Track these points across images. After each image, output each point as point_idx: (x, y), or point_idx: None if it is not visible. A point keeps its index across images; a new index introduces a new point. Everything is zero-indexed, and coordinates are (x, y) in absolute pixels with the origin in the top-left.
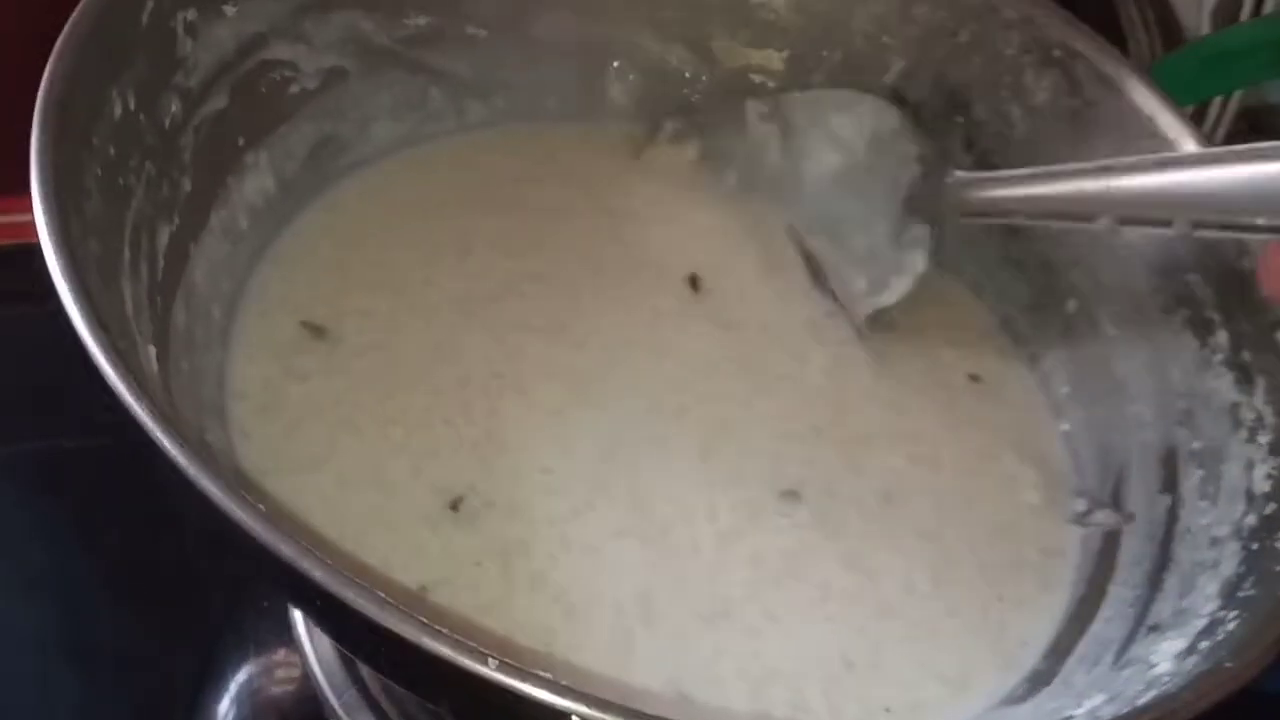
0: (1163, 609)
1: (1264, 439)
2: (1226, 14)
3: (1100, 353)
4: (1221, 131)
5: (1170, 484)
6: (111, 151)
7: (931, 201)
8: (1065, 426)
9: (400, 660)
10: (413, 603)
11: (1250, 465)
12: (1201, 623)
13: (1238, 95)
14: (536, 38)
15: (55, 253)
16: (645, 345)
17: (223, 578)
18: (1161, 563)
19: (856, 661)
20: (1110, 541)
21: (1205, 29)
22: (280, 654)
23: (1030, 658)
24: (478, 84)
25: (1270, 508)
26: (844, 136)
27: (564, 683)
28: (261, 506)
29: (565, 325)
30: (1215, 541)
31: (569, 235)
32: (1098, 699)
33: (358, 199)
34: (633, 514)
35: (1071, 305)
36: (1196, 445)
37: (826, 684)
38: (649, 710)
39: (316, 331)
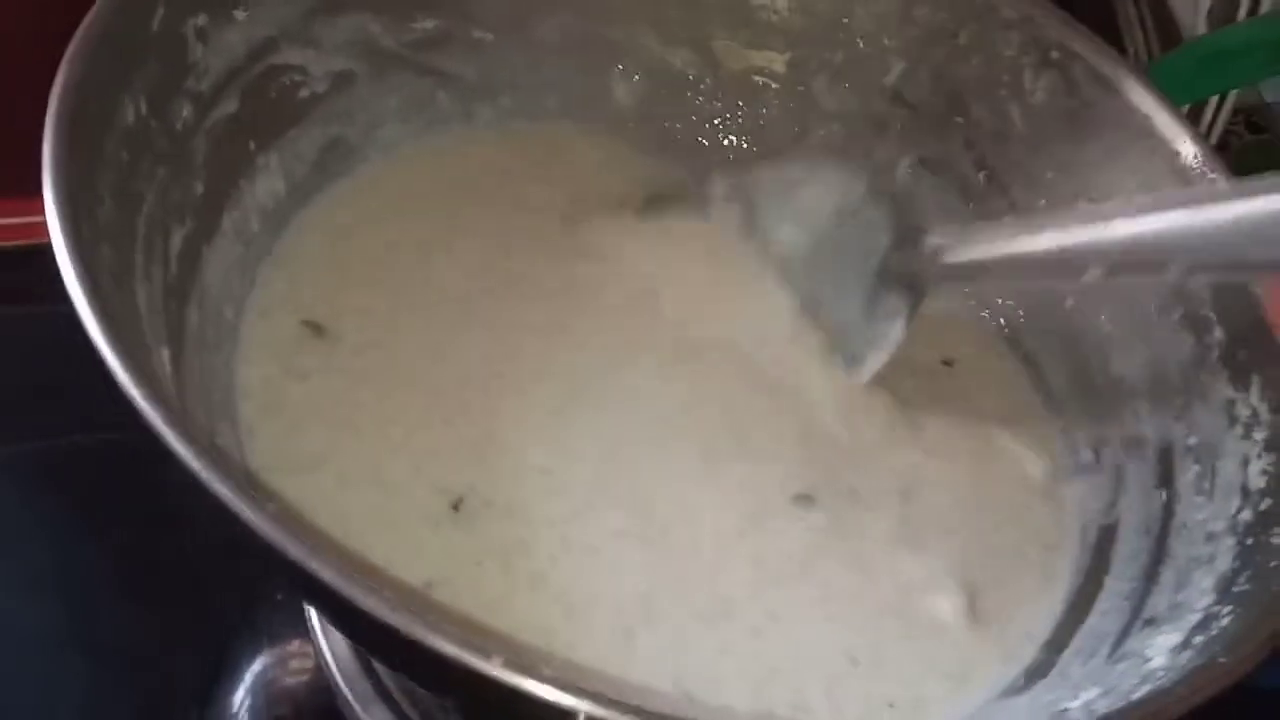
0: (1158, 603)
1: (1259, 435)
2: (1223, 14)
3: (1098, 349)
4: (1218, 130)
5: (1166, 479)
6: (124, 157)
7: (907, 269)
8: (1062, 423)
9: (408, 657)
10: (420, 601)
11: (1245, 461)
12: (1196, 617)
13: (1234, 94)
14: (541, 40)
15: (69, 260)
16: (647, 347)
17: (229, 573)
18: (1157, 557)
19: (860, 659)
20: (1107, 535)
21: (1202, 29)
22: (294, 645)
23: (1031, 650)
24: (484, 86)
25: (1265, 503)
26: (810, 210)
27: (570, 680)
28: (271, 507)
29: (566, 325)
30: (1211, 536)
31: (572, 235)
32: (1093, 692)
33: (359, 196)
34: (634, 515)
35: (1069, 303)
36: (1192, 441)
37: (829, 682)
38: (653, 708)
39: (316, 330)
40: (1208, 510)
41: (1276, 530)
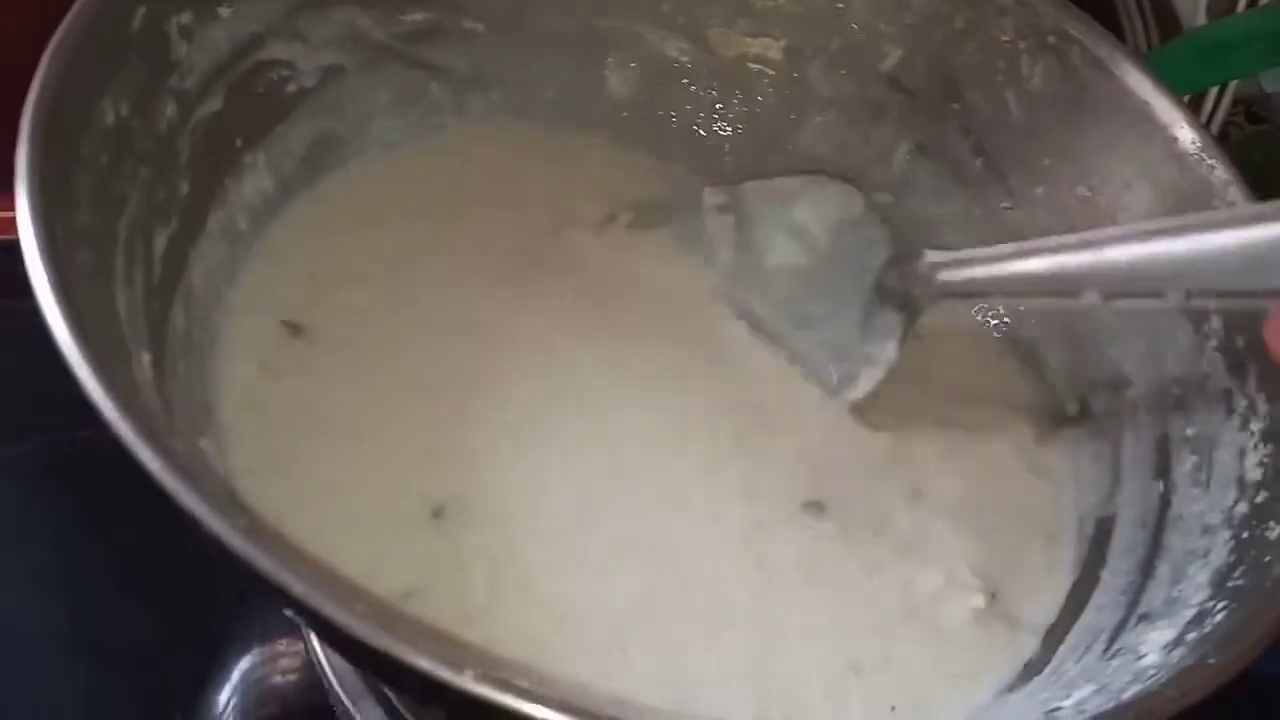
0: (1154, 597)
1: (1256, 426)
2: (1223, 4)
3: (1096, 337)
4: (1218, 121)
5: (1163, 470)
6: (104, 159)
7: (902, 287)
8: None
9: (385, 670)
10: (394, 614)
11: (1242, 453)
12: (1191, 613)
13: (1234, 85)
14: (534, 31)
15: (40, 267)
16: (643, 355)
17: (225, 570)
18: (1153, 551)
19: (864, 666)
20: (1104, 528)
21: (1201, 19)
22: (283, 644)
23: (1032, 646)
24: (476, 78)
25: (1261, 496)
26: (805, 226)
27: (542, 691)
28: (243, 521)
29: (550, 333)
30: (1207, 529)
31: (563, 237)
32: (1086, 690)
33: (348, 194)
34: (627, 523)
35: None
36: (1190, 432)
37: (830, 688)
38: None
39: (294, 329)
40: (1204, 502)
41: (1272, 524)
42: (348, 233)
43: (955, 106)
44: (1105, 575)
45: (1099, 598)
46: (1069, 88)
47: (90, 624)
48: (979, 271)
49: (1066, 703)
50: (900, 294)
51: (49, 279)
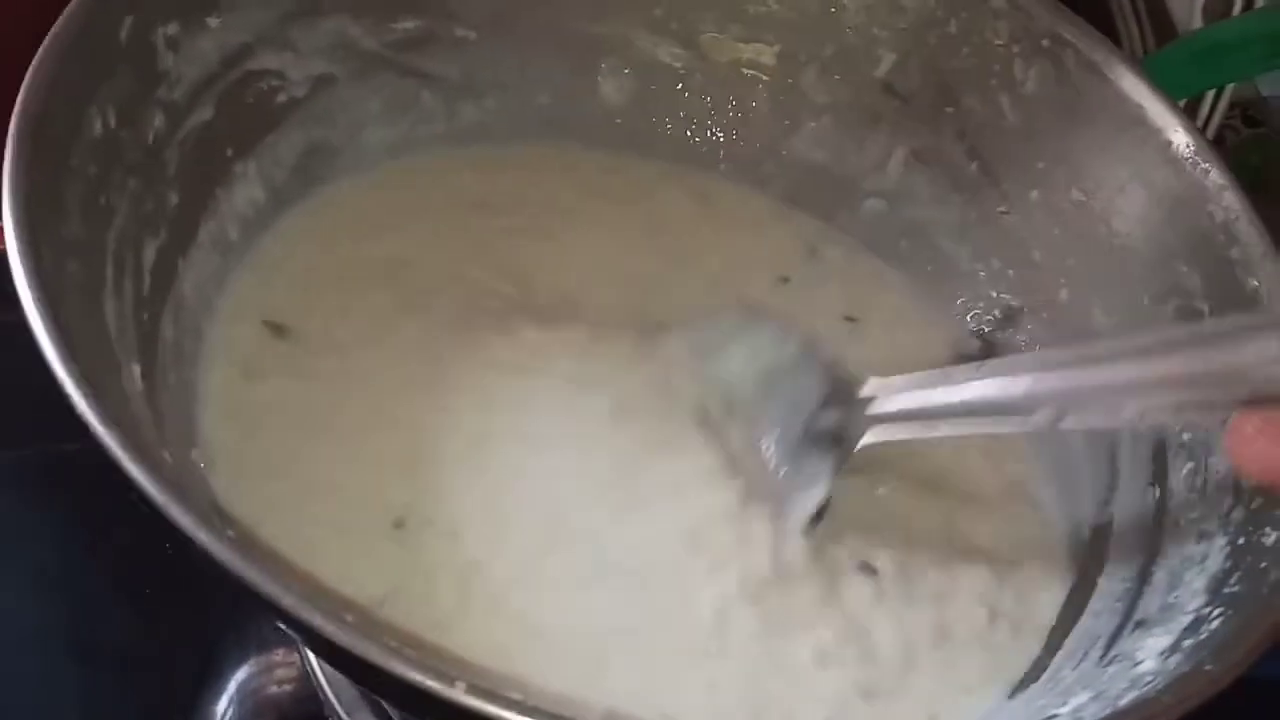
0: (1150, 604)
1: None
2: (1218, 8)
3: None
4: (1214, 124)
5: (1160, 476)
6: (92, 170)
7: (835, 425)
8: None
9: (373, 681)
10: (382, 626)
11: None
12: (1187, 619)
13: (1230, 88)
14: (526, 37)
15: (25, 279)
16: (618, 383)
17: (222, 579)
18: (1150, 556)
19: (875, 693)
20: (1100, 535)
21: (1197, 23)
22: (280, 654)
23: (1032, 651)
24: (469, 85)
25: (1257, 502)
26: (737, 372)
27: (534, 704)
28: (231, 533)
29: (523, 358)
30: (1203, 535)
31: (544, 254)
32: (1083, 697)
33: (338, 207)
34: (602, 551)
35: (1064, 294)
36: (1186, 437)
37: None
38: None
39: (277, 330)
40: (1200, 508)
41: (1268, 529)
42: (340, 245)
43: (950, 111)
44: (1102, 582)
45: (1095, 604)
46: (1063, 92)
47: (88, 630)
48: (922, 396)
49: (1063, 710)
50: (832, 433)
51: (34, 291)
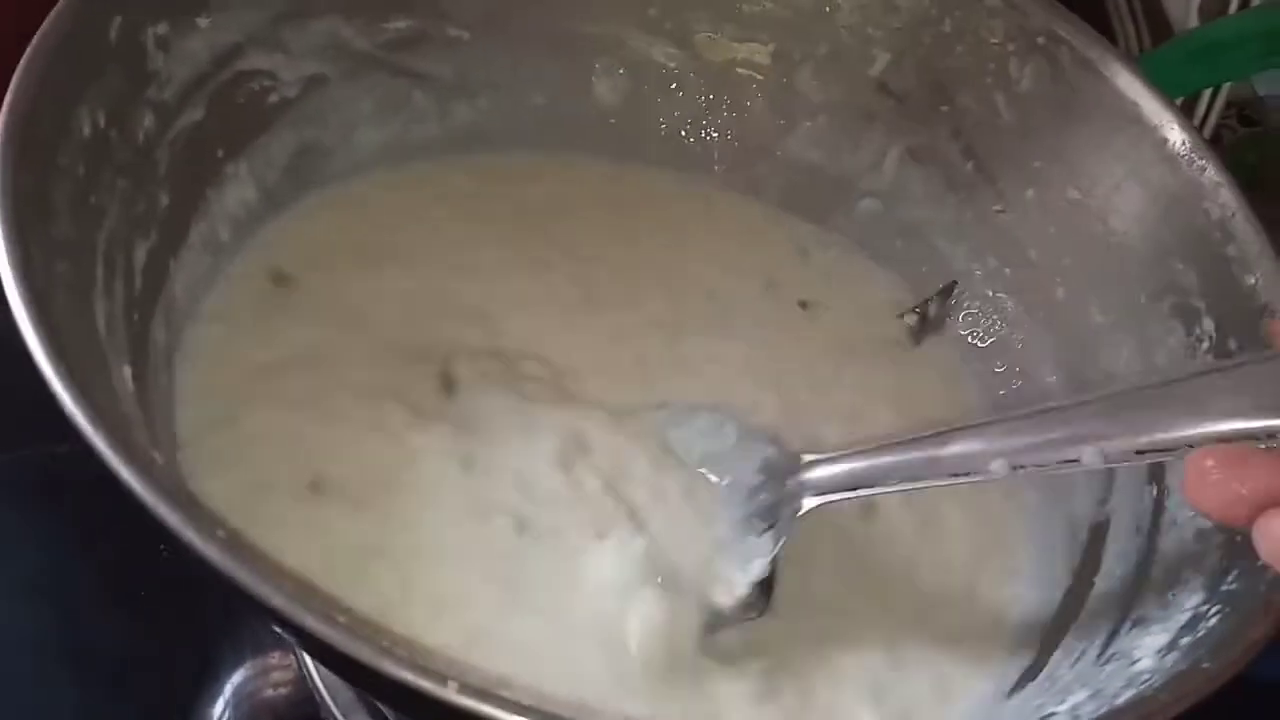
0: (1148, 602)
1: None
2: (1214, 6)
3: (1088, 340)
4: (1211, 124)
5: (1156, 474)
6: (81, 170)
7: (776, 503)
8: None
9: (365, 681)
10: (373, 627)
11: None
12: (1185, 617)
13: (1226, 87)
14: (520, 37)
15: (14, 279)
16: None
17: (214, 585)
18: (1147, 555)
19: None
20: (1097, 533)
21: (1193, 21)
22: (275, 657)
23: (1029, 651)
24: (462, 86)
25: None
26: (677, 453)
27: (525, 703)
28: (221, 532)
29: (512, 357)
30: (1200, 534)
31: (519, 263)
32: (1080, 695)
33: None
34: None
35: (1061, 293)
36: None
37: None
38: None
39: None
40: None
41: None
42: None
43: (945, 110)
44: (1099, 581)
45: (1093, 603)
46: (1059, 90)
47: (83, 634)
48: (865, 463)
49: (1061, 708)
50: (771, 510)
51: (22, 291)
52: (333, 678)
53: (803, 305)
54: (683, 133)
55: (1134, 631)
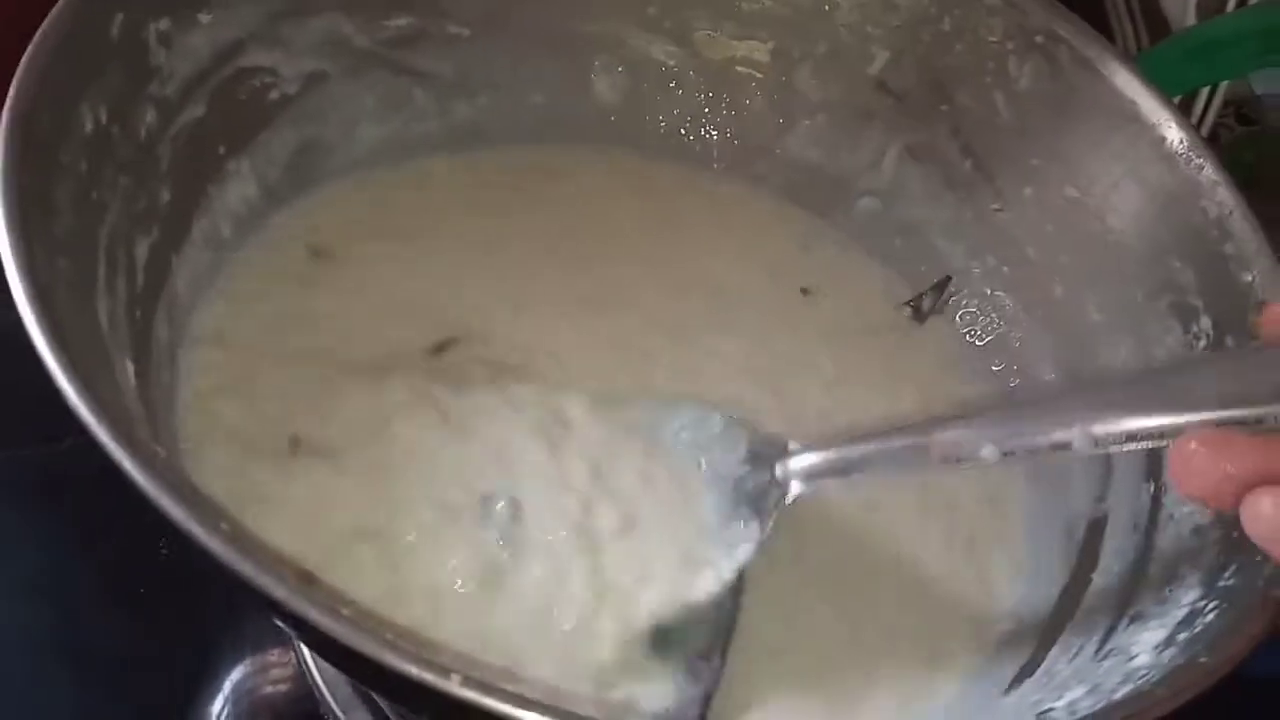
0: (1145, 598)
1: None
2: (1212, 4)
3: (1086, 338)
4: (1208, 122)
5: (1154, 471)
6: (83, 167)
7: (764, 489)
8: None
9: (367, 674)
10: (376, 619)
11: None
12: (1182, 613)
13: (1224, 86)
14: (520, 35)
15: (18, 275)
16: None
17: (216, 579)
18: (1145, 551)
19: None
20: (1095, 530)
21: (1191, 19)
22: (275, 653)
23: (1027, 648)
24: (462, 83)
25: None
26: (663, 450)
27: (527, 695)
28: (225, 526)
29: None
30: (1197, 530)
31: (520, 263)
32: (1078, 691)
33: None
34: None
35: (1059, 291)
36: None
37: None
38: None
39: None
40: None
41: None
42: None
43: (944, 108)
44: (1096, 577)
45: (1090, 599)
46: (1057, 88)
47: (81, 634)
48: (855, 450)
49: (1059, 704)
50: (757, 497)
51: (26, 286)
52: (332, 674)
53: (804, 292)
54: (682, 131)
55: (1131, 627)
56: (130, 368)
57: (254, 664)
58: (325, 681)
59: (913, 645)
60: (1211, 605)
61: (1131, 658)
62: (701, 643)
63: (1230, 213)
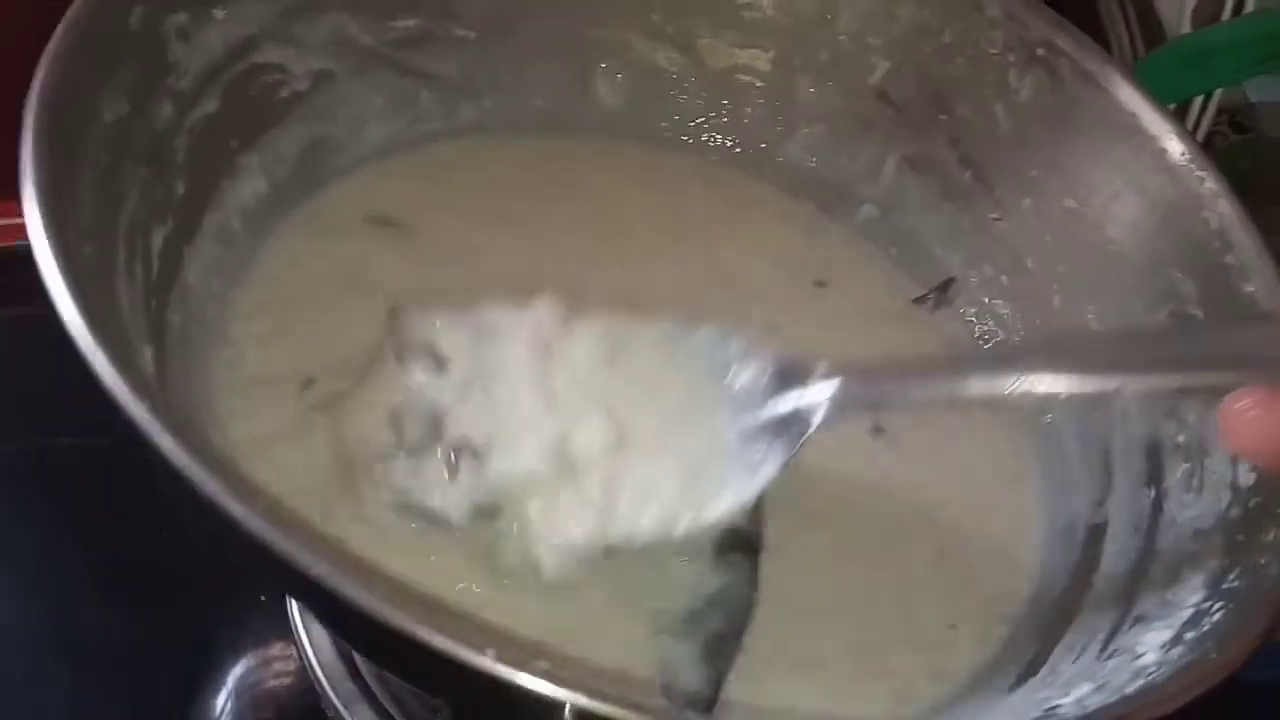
0: (1148, 600)
1: None
2: (1208, 12)
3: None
4: (1203, 130)
5: (1155, 477)
6: (104, 157)
7: (787, 417)
8: (1049, 418)
9: (395, 651)
10: (408, 594)
11: (1235, 458)
12: (1187, 613)
13: (1218, 94)
14: (525, 39)
15: (52, 260)
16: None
17: (218, 574)
18: (1146, 554)
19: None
20: (1096, 533)
21: (1186, 27)
22: (277, 648)
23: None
24: (467, 85)
25: (1255, 500)
26: (681, 372)
27: (563, 674)
28: (260, 502)
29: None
30: (1200, 534)
31: (523, 255)
32: (1085, 688)
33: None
34: None
35: (1057, 301)
36: (1181, 438)
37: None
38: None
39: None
40: (1197, 507)
41: (1266, 527)
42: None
43: (943, 119)
44: (1098, 580)
45: (1092, 601)
46: (1058, 100)
47: (82, 630)
48: (889, 384)
49: (1066, 700)
50: (784, 421)
51: (63, 274)
52: (334, 668)
53: (819, 284)
54: (683, 137)
55: (1136, 628)
56: (149, 354)
57: (256, 658)
58: (327, 676)
59: (913, 640)
60: (1217, 606)
61: (1138, 656)
62: (720, 624)
63: (1231, 224)
